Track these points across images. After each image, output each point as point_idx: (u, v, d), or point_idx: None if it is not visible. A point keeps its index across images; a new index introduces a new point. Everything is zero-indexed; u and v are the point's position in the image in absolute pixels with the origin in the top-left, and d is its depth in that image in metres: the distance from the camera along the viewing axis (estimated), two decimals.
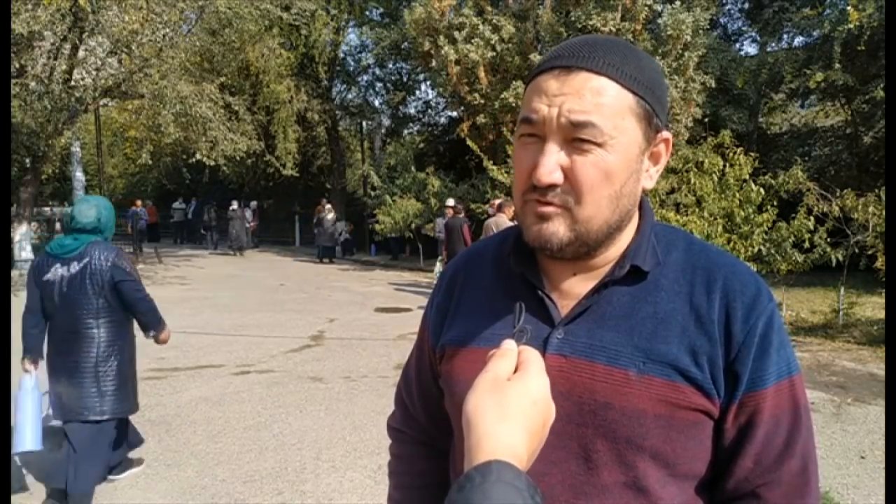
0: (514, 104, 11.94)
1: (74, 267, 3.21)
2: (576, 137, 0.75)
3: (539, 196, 0.78)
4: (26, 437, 3.21)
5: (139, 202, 21.14)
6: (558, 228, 0.78)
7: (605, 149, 0.75)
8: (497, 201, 9.45)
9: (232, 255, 18.74)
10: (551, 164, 0.76)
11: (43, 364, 3.32)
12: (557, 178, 0.76)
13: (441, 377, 0.93)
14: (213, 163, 13.40)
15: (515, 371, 0.66)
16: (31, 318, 3.29)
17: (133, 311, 3.34)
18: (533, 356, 0.67)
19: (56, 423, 3.29)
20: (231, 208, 19.08)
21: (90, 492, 3.26)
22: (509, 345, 0.69)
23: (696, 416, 0.78)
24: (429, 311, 1.01)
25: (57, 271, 3.22)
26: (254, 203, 21.84)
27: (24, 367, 3.28)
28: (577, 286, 0.85)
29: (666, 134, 0.83)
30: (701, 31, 11.44)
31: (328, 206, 18.11)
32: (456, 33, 12.74)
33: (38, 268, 3.28)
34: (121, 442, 3.57)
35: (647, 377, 0.77)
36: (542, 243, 0.80)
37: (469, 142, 12.76)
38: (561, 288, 0.86)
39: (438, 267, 12.10)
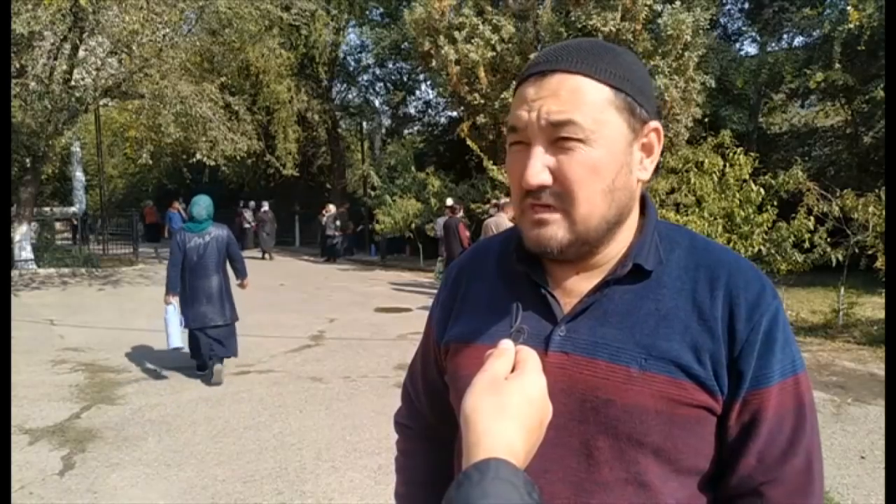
0: None
1: (207, 238, 5.60)
2: (558, 137, 0.77)
3: (533, 200, 0.79)
4: (175, 339, 5.58)
5: (176, 203, 19.51)
6: (556, 231, 0.79)
7: (588, 144, 0.76)
8: (499, 201, 9.42)
9: (261, 259, 17.19)
10: (537, 166, 0.77)
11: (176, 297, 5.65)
12: (545, 178, 0.77)
13: (447, 373, 0.94)
14: (213, 163, 13.38)
15: (513, 370, 0.67)
16: (174, 270, 5.55)
17: (234, 262, 5.88)
18: (530, 356, 0.68)
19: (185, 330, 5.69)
20: (262, 209, 18.72)
21: (236, 353, 5.83)
22: (506, 345, 0.69)
23: (698, 412, 0.78)
24: (434, 308, 1.02)
25: (196, 241, 5.56)
26: (252, 203, 21.81)
27: (166, 300, 5.58)
28: (580, 284, 0.85)
29: (655, 123, 0.82)
30: (701, 31, 11.43)
31: (329, 206, 18.16)
32: (456, 33, 12.73)
33: (182, 239, 5.57)
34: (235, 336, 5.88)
35: (649, 374, 0.77)
36: (541, 248, 0.80)
37: (469, 142, 12.75)
38: (564, 286, 0.86)
39: (439, 266, 12.12)
